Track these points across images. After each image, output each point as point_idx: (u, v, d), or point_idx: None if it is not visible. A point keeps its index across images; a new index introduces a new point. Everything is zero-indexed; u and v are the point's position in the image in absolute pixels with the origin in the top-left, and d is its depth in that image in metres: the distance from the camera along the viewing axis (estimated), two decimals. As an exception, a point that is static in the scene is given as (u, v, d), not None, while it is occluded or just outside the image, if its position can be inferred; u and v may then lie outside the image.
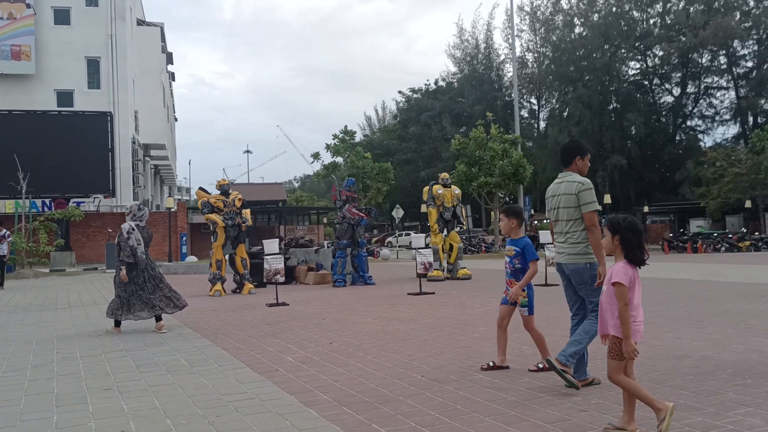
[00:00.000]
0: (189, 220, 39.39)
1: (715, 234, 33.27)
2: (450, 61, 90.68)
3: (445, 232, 16.02)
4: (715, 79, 51.53)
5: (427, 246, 14.31)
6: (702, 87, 52.45)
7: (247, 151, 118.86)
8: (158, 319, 8.46)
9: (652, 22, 52.70)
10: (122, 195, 35.83)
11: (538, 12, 55.97)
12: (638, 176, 49.65)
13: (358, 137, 52.34)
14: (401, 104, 66.13)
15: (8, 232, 19.43)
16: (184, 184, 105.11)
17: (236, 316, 9.78)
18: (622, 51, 52.64)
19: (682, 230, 40.01)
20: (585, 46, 51.50)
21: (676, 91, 53.80)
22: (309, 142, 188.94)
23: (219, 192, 14.17)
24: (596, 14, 53.01)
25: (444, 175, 16.93)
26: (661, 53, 50.48)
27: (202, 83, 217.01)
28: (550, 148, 50.03)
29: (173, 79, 66.30)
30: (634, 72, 54.73)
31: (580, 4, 53.49)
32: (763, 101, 48.04)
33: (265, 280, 12.18)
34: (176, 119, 75.16)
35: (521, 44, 57.03)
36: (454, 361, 5.92)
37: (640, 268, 3.76)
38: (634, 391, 3.65)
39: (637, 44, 51.98)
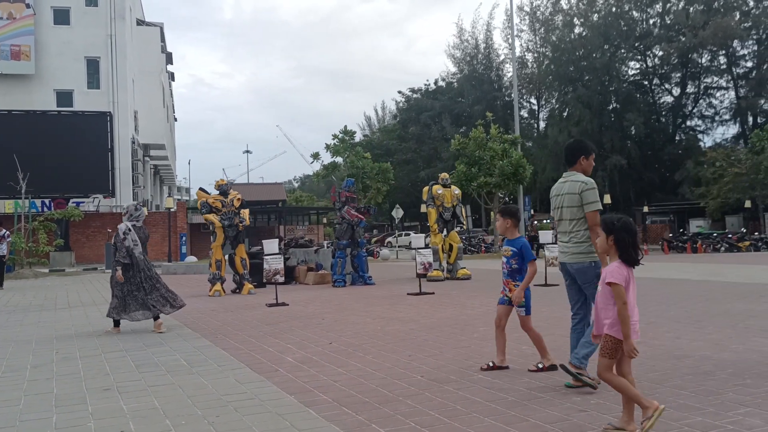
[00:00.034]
0: (189, 220, 39.40)
1: (715, 234, 33.29)
2: (450, 61, 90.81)
3: (445, 232, 16.01)
4: (715, 79, 51.59)
5: (426, 246, 14.31)
6: (702, 87, 52.49)
7: (247, 151, 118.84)
8: (156, 317, 8.45)
9: (651, 22, 52.73)
10: (122, 195, 35.82)
11: (538, 12, 56.00)
12: (638, 176, 49.67)
13: (358, 137, 52.35)
14: (401, 104, 66.17)
15: (8, 232, 19.42)
16: (183, 184, 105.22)
17: (236, 317, 9.78)
18: (622, 51, 52.66)
19: (681, 230, 40.03)
20: (585, 46, 51.52)
21: (676, 91, 53.84)
22: (309, 142, 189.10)
23: (218, 192, 14.18)
24: (596, 14, 53.03)
25: (444, 175, 16.92)
26: (660, 53, 50.50)
27: (201, 83, 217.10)
28: (550, 148, 50.04)
29: (173, 79, 66.31)
30: (633, 72, 54.79)
31: (580, 4, 53.51)
32: (762, 101, 48.06)
33: (264, 280, 12.17)
34: (176, 119, 75.16)
35: (521, 44, 57.09)
36: (454, 361, 5.92)
37: (634, 267, 3.77)
38: (623, 389, 3.68)
39: (636, 44, 52.00)
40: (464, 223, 17.04)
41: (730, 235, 32.25)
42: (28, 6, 37.04)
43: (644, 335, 6.89)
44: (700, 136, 53.65)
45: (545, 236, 15.24)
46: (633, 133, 50.33)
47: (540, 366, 5.37)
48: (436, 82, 63.17)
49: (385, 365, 5.83)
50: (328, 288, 14.62)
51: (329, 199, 17.31)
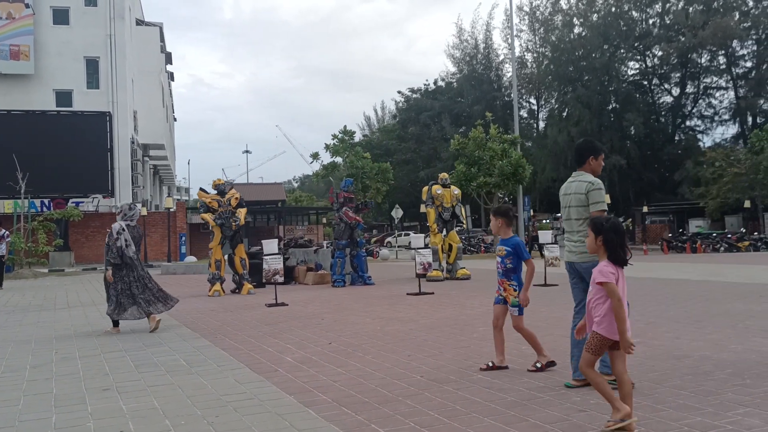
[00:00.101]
0: (188, 220, 39.39)
1: (714, 234, 33.29)
2: (449, 61, 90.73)
3: (445, 232, 16.00)
4: (714, 79, 51.58)
5: (426, 246, 14.31)
6: (701, 87, 52.49)
7: (247, 151, 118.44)
8: (149, 315, 8.46)
9: (651, 22, 52.72)
10: (121, 195, 35.81)
11: (538, 12, 55.97)
12: (637, 176, 49.68)
13: (358, 137, 52.32)
14: (400, 104, 66.15)
15: (7, 232, 19.42)
16: (183, 184, 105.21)
17: (235, 317, 9.78)
18: (622, 51, 52.66)
19: (681, 230, 40.03)
20: (584, 46, 51.51)
21: (676, 91, 53.84)
22: (308, 142, 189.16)
23: (216, 192, 14.18)
24: (595, 14, 53.02)
25: (443, 175, 16.92)
26: (660, 53, 50.50)
27: (201, 83, 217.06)
28: (550, 148, 50.04)
29: (172, 79, 66.28)
30: (633, 72, 54.79)
31: (580, 4, 53.50)
32: (762, 101, 48.07)
33: (264, 281, 12.17)
34: (175, 119, 75.14)
35: (520, 44, 57.07)
36: (454, 361, 5.92)
37: (623, 267, 3.83)
38: (600, 387, 3.75)
39: (636, 44, 52.00)
40: (464, 222, 17.04)
41: (729, 235, 32.25)
42: (27, 6, 37.03)
43: (644, 335, 6.89)
44: (699, 136, 53.69)
45: (545, 236, 15.25)
46: (632, 133, 50.34)
47: (538, 366, 5.37)
48: (435, 82, 63.20)
49: (384, 365, 5.83)
50: (328, 288, 14.62)
51: (328, 200, 17.31)
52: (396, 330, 7.91)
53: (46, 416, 4.49)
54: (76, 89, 38.12)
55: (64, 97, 37.84)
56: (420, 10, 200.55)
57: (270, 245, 11.98)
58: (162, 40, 50.14)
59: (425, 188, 16.41)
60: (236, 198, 13.98)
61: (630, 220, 49.88)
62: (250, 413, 4.38)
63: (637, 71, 54.58)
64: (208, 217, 13.74)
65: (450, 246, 15.92)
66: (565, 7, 54.44)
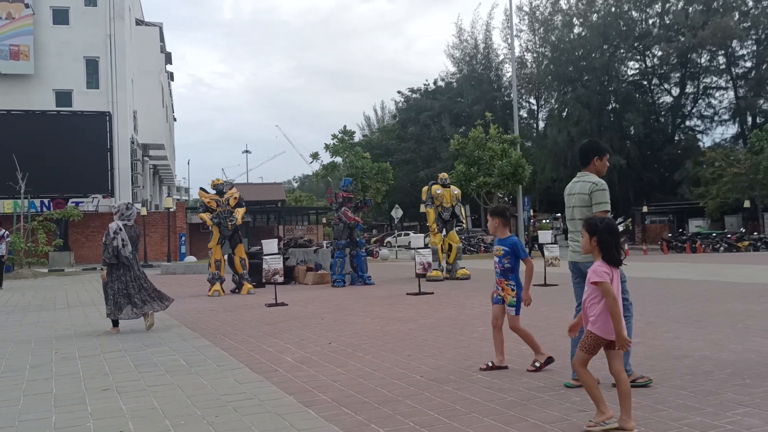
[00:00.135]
0: (188, 220, 39.39)
1: (714, 234, 33.29)
2: (449, 61, 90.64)
3: (444, 232, 16.00)
4: (714, 79, 51.54)
5: (426, 246, 14.31)
6: (701, 87, 52.45)
7: (246, 151, 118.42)
8: (144, 313, 8.49)
9: (651, 22, 52.69)
10: (121, 195, 35.79)
11: (537, 12, 55.93)
12: (637, 176, 49.67)
13: (357, 137, 52.33)
14: (400, 104, 66.11)
15: (7, 232, 19.42)
16: (183, 184, 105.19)
17: (235, 317, 9.78)
18: (621, 51, 52.64)
19: (681, 230, 40.02)
20: (584, 46, 51.48)
21: (675, 91, 53.82)
22: (308, 142, 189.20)
23: (214, 192, 14.19)
24: (595, 14, 52.99)
25: (443, 175, 16.92)
26: (660, 53, 50.47)
27: (201, 83, 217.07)
28: (549, 148, 50.02)
29: (172, 79, 66.27)
30: (633, 72, 54.75)
31: (579, 4, 53.48)
32: (761, 101, 48.04)
33: (264, 280, 12.17)
34: (175, 119, 75.13)
35: (520, 44, 57.04)
36: (453, 361, 5.92)
37: (617, 267, 3.88)
38: (589, 387, 3.80)
39: (636, 44, 51.97)
40: (464, 222, 17.05)
41: (729, 235, 32.25)
42: (27, 6, 37.02)
43: (643, 335, 6.90)
44: (699, 136, 53.65)
45: (545, 236, 15.26)
46: (632, 133, 50.32)
47: (537, 365, 5.38)
48: (435, 82, 63.17)
49: (384, 365, 5.83)
50: (328, 288, 14.62)
51: (327, 200, 17.30)
52: (396, 330, 7.91)
53: (46, 416, 4.49)
54: (76, 89, 38.11)
55: (63, 97, 37.83)
56: (420, 10, 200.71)
57: (270, 245, 11.98)
58: (162, 40, 50.13)
59: (425, 188, 16.41)
60: (235, 198, 13.97)
61: (630, 220, 49.90)
62: (249, 413, 4.38)
63: (637, 71, 54.58)
64: (206, 216, 13.80)
65: (450, 246, 15.92)
66: (564, 7, 54.44)
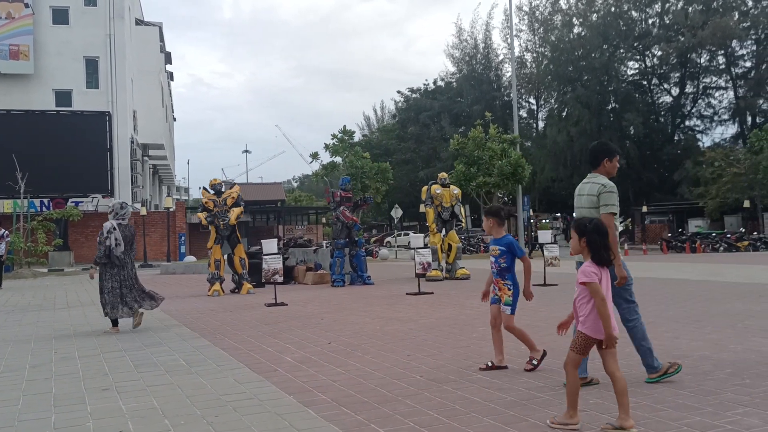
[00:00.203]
0: (187, 220, 39.39)
1: (714, 234, 33.30)
2: (449, 61, 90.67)
3: (444, 231, 16.00)
4: (714, 79, 51.53)
5: (425, 246, 14.31)
6: (700, 87, 52.45)
7: (246, 151, 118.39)
8: (135, 313, 8.57)
9: (650, 22, 52.68)
10: (120, 195, 35.78)
11: (537, 12, 55.94)
12: (637, 176, 49.67)
13: (357, 137, 52.28)
14: (400, 104, 66.10)
15: (6, 231, 19.42)
16: (182, 184, 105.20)
17: (235, 316, 9.78)
18: (621, 51, 52.63)
19: (680, 230, 40.03)
20: (584, 46, 51.47)
21: (675, 91, 53.81)
22: (308, 142, 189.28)
23: (213, 191, 14.19)
24: (595, 14, 52.98)
25: (442, 174, 16.91)
26: (659, 53, 50.46)
27: (200, 83, 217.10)
28: (549, 148, 50.02)
29: (172, 79, 66.28)
30: (632, 72, 54.74)
31: (579, 4, 53.46)
32: (761, 101, 48.03)
33: (263, 280, 12.17)
34: (175, 119, 75.12)
35: (520, 44, 57.04)
36: (453, 361, 5.92)
37: (606, 267, 3.92)
38: (572, 389, 3.85)
39: (635, 44, 51.97)
40: (463, 222, 17.03)
41: (728, 235, 32.26)
42: (26, 5, 37.01)
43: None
44: (698, 136, 53.64)
45: (545, 236, 15.27)
46: (632, 133, 50.31)
47: (534, 363, 5.39)
48: (435, 82, 63.17)
49: (384, 365, 5.83)
50: (327, 288, 14.62)
51: (325, 199, 17.26)
52: (395, 330, 7.91)
53: (46, 416, 4.49)
54: (76, 89, 38.11)
55: (63, 96, 37.82)
56: (420, 10, 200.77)
57: (269, 245, 11.98)
58: (161, 39, 50.12)
59: (424, 188, 16.40)
60: (233, 197, 13.91)
61: (629, 220, 49.88)
62: (249, 413, 4.38)
63: (637, 71, 54.57)
64: (201, 216, 13.90)
65: (449, 246, 15.92)
66: (564, 7, 54.43)
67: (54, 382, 5.58)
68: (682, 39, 47.78)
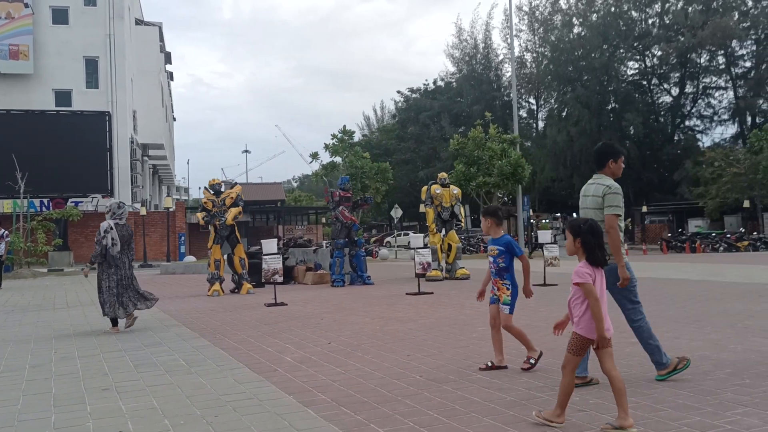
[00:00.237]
0: (187, 220, 39.39)
1: (714, 234, 33.29)
2: (449, 61, 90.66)
3: (444, 231, 15.99)
4: (714, 79, 51.51)
5: (425, 246, 14.30)
6: (700, 87, 52.43)
7: (246, 151, 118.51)
8: (129, 313, 8.60)
9: (650, 22, 52.67)
10: (120, 195, 35.80)
11: (537, 12, 55.91)
12: (636, 176, 49.67)
13: (357, 137, 52.26)
14: (400, 104, 66.07)
15: (6, 231, 19.41)
16: (182, 184, 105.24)
17: (234, 316, 9.78)
18: (621, 51, 52.61)
19: (680, 230, 40.03)
20: (583, 46, 51.45)
21: (675, 91, 53.79)
22: (308, 141, 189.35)
23: (212, 191, 14.19)
24: (595, 14, 52.97)
25: (442, 174, 16.91)
26: (659, 53, 50.44)
27: (200, 83, 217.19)
28: (549, 148, 50.01)
29: (172, 79, 66.28)
30: (632, 72, 54.72)
31: (579, 4, 53.45)
32: (761, 101, 48.02)
33: (263, 280, 12.17)
34: (174, 119, 75.12)
35: (520, 44, 57.03)
36: (453, 361, 5.92)
37: (601, 268, 3.93)
38: (564, 388, 3.86)
39: (635, 44, 51.96)
40: (462, 222, 17.03)
41: (728, 235, 32.25)
42: (26, 5, 37.01)
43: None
44: (698, 136, 53.61)
45: (544, 236, 15.27)
46: (632, 133, 50.30)
47: (532, 362, 5.40)
48: (435, 82, 63.14)
49: (383, 365, 5.83)
50: (327, 288, 14.61)
51: (325, 199, 17.23)
52: (395, 330, 7.91)
53: (46, 416, 4.49)
54: (76, 89, 38.11)
55: (63, 96, 37.82)
56: (419, 10, 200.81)
57: (269, 245, 11.98)
58: (161, 39, 50.12)
59: (424, 188, 16.39)
60: (231, 197, 13.87)
61: (629, 220, 49.88)
62: (249, 413, 4.38)
63: (637, 71, 54.55)
64: (199, 216, 13.96)
65: (449, 246, 15.92)
66: (564, 6, 54.41)
67: (54, 382, 5.58)
68: (682, 39, 47.77)
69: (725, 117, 51.42)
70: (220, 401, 4.72)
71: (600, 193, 4.92)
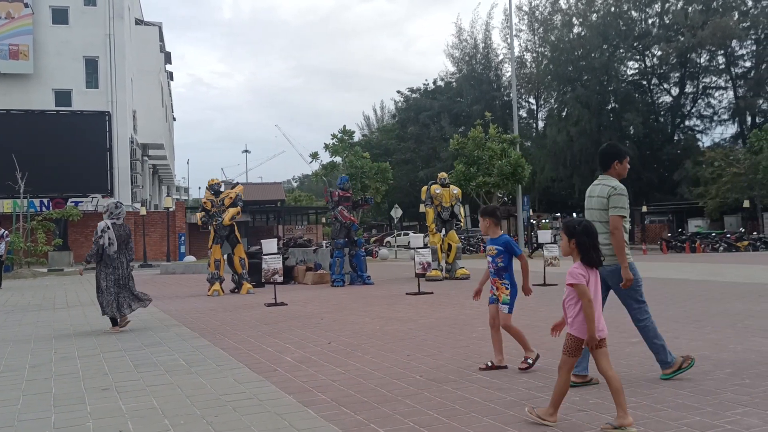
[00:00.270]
0: (187, 220, 39.39)
1: (714, 234, 33.30)
2: (449, 61, 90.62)
3: (444, 231, 15.99)
4: (714, 79, 51.50)
5: (425, 246, 14.30)
6: (700, 87, 52.42)
7: (246, 151, 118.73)
8: (123, 316, 8.63)
9: (650, 21, 52.66)
10: (120, 195, 35.79)
11: (537, 12, 55.89)
12: (636, 176, 49.65)
13: (357, 137, 52.24)
14: (400, 104, 66.05)
15: (6, 231, 19.41)
16: (182, 184, 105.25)
17: (234, 316, 9.78)
18: (621, 51, 52.61)
19: (680, 230, 40.03)
20: (583, 45, 51.44)
21: (675, 91, 53.78)
22: (308, 141, 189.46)
23: (211, 191, 14.18)
24: (595, 14, 52.96)
25: (442, 174, 16.91)
26: (659, 53, 50.43)
27: (200, 83, 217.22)
28: (549, 147, 50.00)
29: (171, 79, 66.27)
30: (632, 72, 54.71)
31: (579, 3, 53.44)
32: (761, 101, 48.01)
33: (263, 280, 12.17)
34: (174, 119, 75.12)
35: (520, 44, 57.01)
36: (453, 360, 5.92)
37: (596, 268, 3.94)
38: (559, 389, 3.88)
39: (635, 44, 51.95)
40: (461, 222, 17.02)
41: (728, 235, 32.26)
42: (26, 5, 37.00)
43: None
44: (698, 135, 53.60)
45: (545, 236, 15.27)
46: (632, 132, 50.29)
47: (530, 362, 5.40)
48: (434, 82, 63.12)
49: (383, 365, 5.83)
50: (327, 288, 14.61)
51: (324, 199, 17.20)
52: (395, 330, 7.91)
53: (46, 416, 4.49)
54: (76, 89, 38.10)
55: (63, 96, 37.82)
56: (419, 10, 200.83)
57: (269, 245, 11.98)
58: (161, 39, 50.11)
59: (424, 188, 16.39)
60: (230, 197, 13.84)
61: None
62: (249, 413, 4.38)
63: (636, 71, 54.54)
64: (198, 216, 14.01)
65: (449, 246, 15.91)
66: (564, 6, 54.40)
67: (54, 381, 5.58)
68: (682, 39, 47.76)
69: (725, 117, 51.44)
70: (220, 401, 4.72)
71: (605, 194, 4.93)
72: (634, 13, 52.71)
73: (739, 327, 7.39)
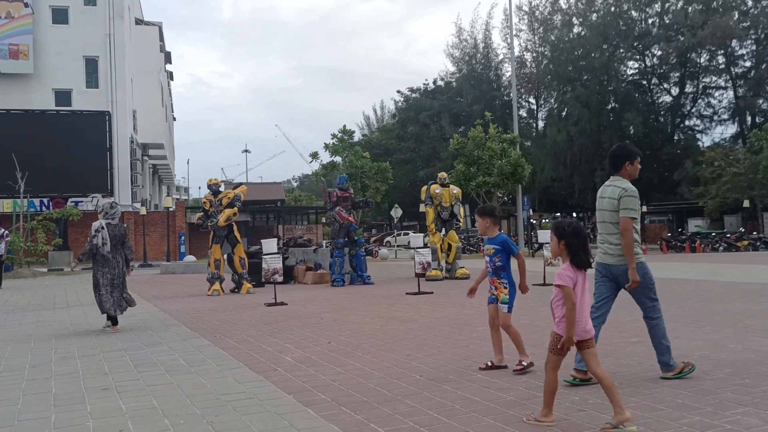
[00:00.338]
0: (187, 220, 39.38)
1: (714, 234, 33.29)
2: (449, 61, 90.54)
3: (444, 231, 15.98)
4: (714, 78, 51.49)
5: (425, 246, 14.30)
6: (700, 87, 52.41)
7: (246, 151, 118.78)
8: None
9: (650, 21, 52.65)
10: (120, 194, 35.80)
11: (537, 12, 55.88)
12: (637, 176, 49.71)
13: (357, 137, 52.25)
14: (400, 104, 66.03)
15: (6, 231, 19.40)
16: (182, 184, 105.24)
17: (234, 316, 9.78)
18: (621, 51, 52.60)
19: (680, 230, 40.03)
20: (583, 45, 51.43)
21: (675, 90, 53.77)
22: (308, 141, 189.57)
23: (210, 191, 14.17)
24: (595, 14, 52.95)
25: (442, 174, 16.90)
26: (659, 53, 50.42)
27: (200, 83, 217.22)
28: (549, 147, 50.00)
29: (171, 79, 66.27)
30: (632, 72, 54.69)
31: (579, 3, 53.43)
32: (761, 101, 48.00)
33: (263, 280, 12.17)
34: (174, 119, 75.12)
35: (519, 44, 57.00)
36: (453, 360, 5.92)
37: (585, 270, 3.95)
38: (548, 386, 3.89)
39: (635, 44, 51.94)
40: (461, 222, 17.02)
41: (728, 235, 32.25)
42: (26, 5, 37.00)
43: (643, 335, 6.88)
44: (698, 135, 53.58)
45: (544, 236, 15.27)
46: (632, 132, 50.27)
47: (525, 364, 5.40)
48: (434, 82, 63.10)
49: (383, 365, 5.83)
50: (327, 287, 14.61)
51: (323, 199, 17.20)
52: (395, 329, 7.91)
53: (46, 415, 4.49)
54: (76, 89, 38.09)
55: (63, 96, 37.81)
56: (419, 10, 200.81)
57: (269, 245, 11.98)
58: (161, 39, 50.11)
59: (424, 188, 16.38)
60: (228, 198, 13.81)
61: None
62: (249, 413, 4.38)
63: (636, 71, 54.53)
64: (196, 216, 14.05)
65: (449, 245, 15.91)
66: (564, 6, 54.39)
67: (54, 381, 5.58)
68: (682, 39, 47.75)
69: (725, 117, 51.42)
70: (220, 401, 4.72)
71: (616, 195, 4.95)
72: (634, 13, 52.71)
73: (739, 327, 7.39)
